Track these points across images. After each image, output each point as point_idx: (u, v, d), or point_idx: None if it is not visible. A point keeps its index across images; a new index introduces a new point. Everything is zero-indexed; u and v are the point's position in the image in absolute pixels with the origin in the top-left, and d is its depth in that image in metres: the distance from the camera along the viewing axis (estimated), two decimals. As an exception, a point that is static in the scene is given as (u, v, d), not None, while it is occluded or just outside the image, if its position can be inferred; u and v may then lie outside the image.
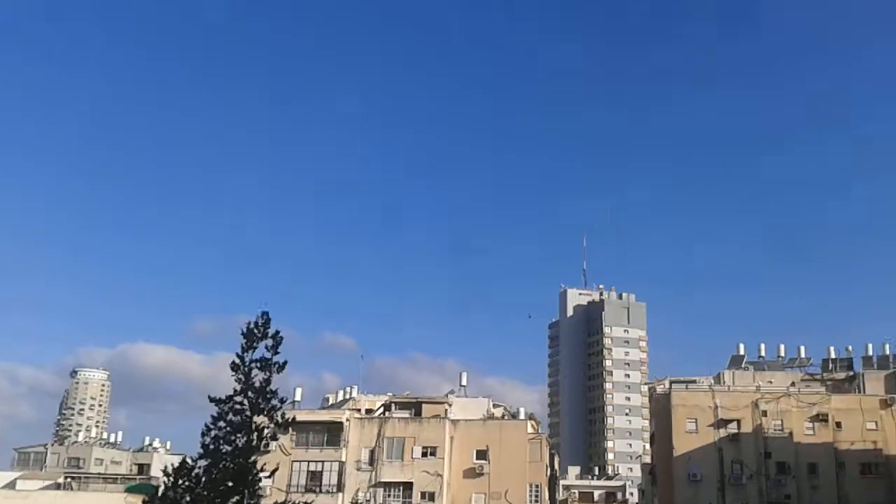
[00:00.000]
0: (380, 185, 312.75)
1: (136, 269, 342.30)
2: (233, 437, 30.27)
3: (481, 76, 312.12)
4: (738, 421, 61.98)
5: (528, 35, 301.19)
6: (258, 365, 30.55)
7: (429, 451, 59.63)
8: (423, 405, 64.11)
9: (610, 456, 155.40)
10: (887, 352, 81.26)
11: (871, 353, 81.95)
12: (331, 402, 75.50)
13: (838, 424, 61.97)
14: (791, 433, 61.39)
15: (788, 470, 60.50)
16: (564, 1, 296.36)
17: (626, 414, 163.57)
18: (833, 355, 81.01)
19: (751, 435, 61.41)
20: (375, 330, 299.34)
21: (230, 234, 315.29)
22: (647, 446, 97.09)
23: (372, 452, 59.72)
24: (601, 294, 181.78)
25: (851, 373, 75.55)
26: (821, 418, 61.95)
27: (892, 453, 60.06)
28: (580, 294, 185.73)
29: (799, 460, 60.79)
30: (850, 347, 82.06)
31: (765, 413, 62.14)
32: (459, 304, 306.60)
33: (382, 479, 58.88)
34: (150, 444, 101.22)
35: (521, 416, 68.68)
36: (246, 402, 30.39)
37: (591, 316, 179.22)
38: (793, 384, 68.82)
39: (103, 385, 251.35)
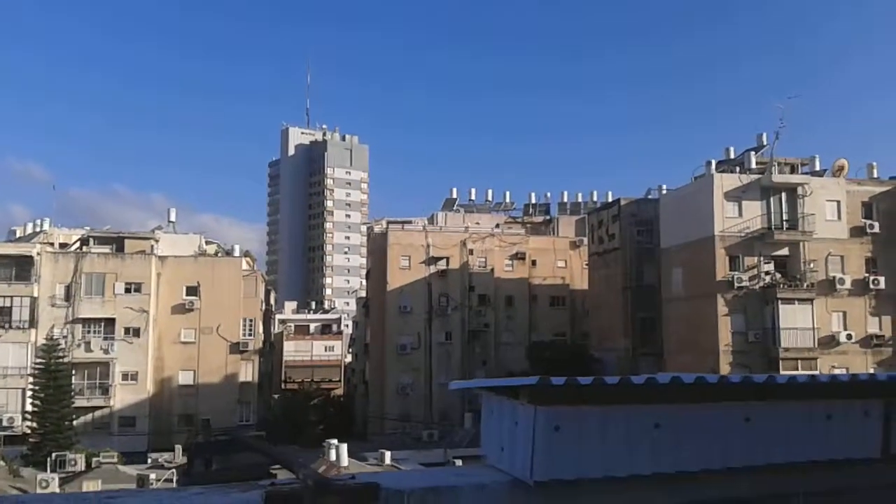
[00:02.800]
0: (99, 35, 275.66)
1: None
2: None
3: None
4: (448, 258, 65.62)
5: None
6: None
7: (133, 288, 56.66)
8: (126, 241, 60.14)
9: (328, 292, 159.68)
10: (580, 199, 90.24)
11: (566, 199, 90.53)
12: (18, 235, 68.09)
13: (534, 262, 68.00)
14: (493, 269, 66.36)
15: (489, 302, 65.80)
16: None
17: (346, 252, 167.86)
18: (534, 200, 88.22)
19: (458, 271, 65.50)
20: (72, 158, 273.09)
21: None
22: (364, 282, 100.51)
23: (68, 288, 55.48)
24: (324, 134, 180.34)
25: (548, 217, 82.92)
26: (519, 257, 67.50)
27: (576, 287, 67.45)
28: (302, 133, 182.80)
29: (498, 293, 66.26)
30: (549, 194, 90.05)
31: (471, 251, 66.31)
32: (172, 127, 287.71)
33: (81, 316, 55.28)
34: None
35: (236, 254, 67.11)
36: None
37: (314, 156, 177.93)
38: (497, 226, 73.86)
39: None
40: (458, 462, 33.13)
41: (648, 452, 3.55)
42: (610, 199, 72.52)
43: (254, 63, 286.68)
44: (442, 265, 65.45)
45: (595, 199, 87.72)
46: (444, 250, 65.76)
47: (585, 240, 65.18)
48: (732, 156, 50.83)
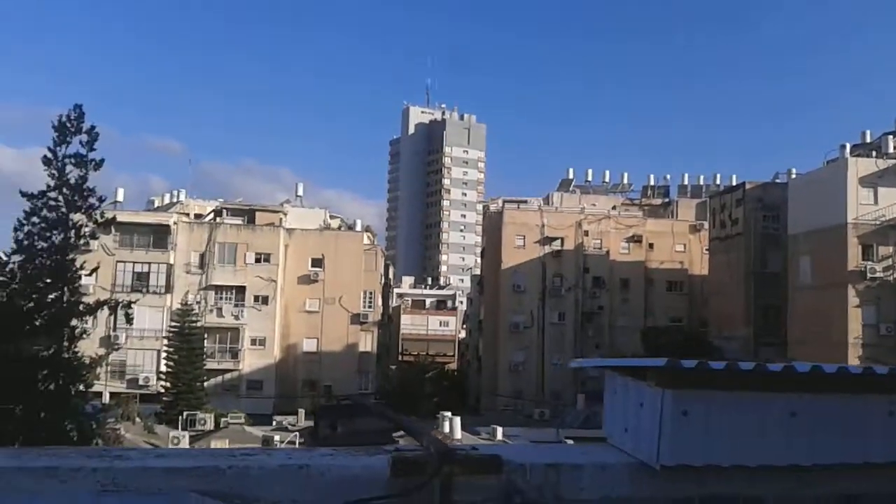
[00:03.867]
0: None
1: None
2: (48, 234, 28.86)
3: None
4: (562, 239, 65.51)
5: None
6: (73, 161, 28.74)
7: (262, 258, 59.45)
8: (257, 213, 63.14)
9: (443, 268, 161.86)
10: (701, 182, 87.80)
11: (686, 182, 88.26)
12: (157, 205, 72.56)
13: (651, 245, 66.92)
14: (608, 252, 65.78)
15: (603, 284, 65.33)
16: None
17: (461, 230, 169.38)
18: (652, 182, 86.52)
19: (572, 252, 65.30)
20: (205, 134, 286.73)
21: (45, 19, 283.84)
22: (479, 260, 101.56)
23: (202, 256, 58.76)
24: (443, 114, 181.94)
25: (667, 199, 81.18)
26: (636, 239, 66.59)
27: (695, 273, 66.00)
28: (423, 112, 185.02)
29: (613, 276, 65.66)
30: (668, 176, 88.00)
31: (587, 233, 65.95)
32: (298, 111, 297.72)
33: (214, 283, 58.47)
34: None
35: (358, 228, 69.28)
36: (61, 198, 28.80)
37: (433, 135, 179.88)
38: (614, 207, 73.07)
39: None
40: (570, 442, 33.29)
41: (782, 442, 3.36)
42: (734, 183, 70.35)
43: (379, 44, 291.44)
44: (556, 246, 65.44)
45: (718, 182, 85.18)
46: (558, 231, 65.70)
47: (706, 224, 63.59)
48: (869, 139, 48.43)
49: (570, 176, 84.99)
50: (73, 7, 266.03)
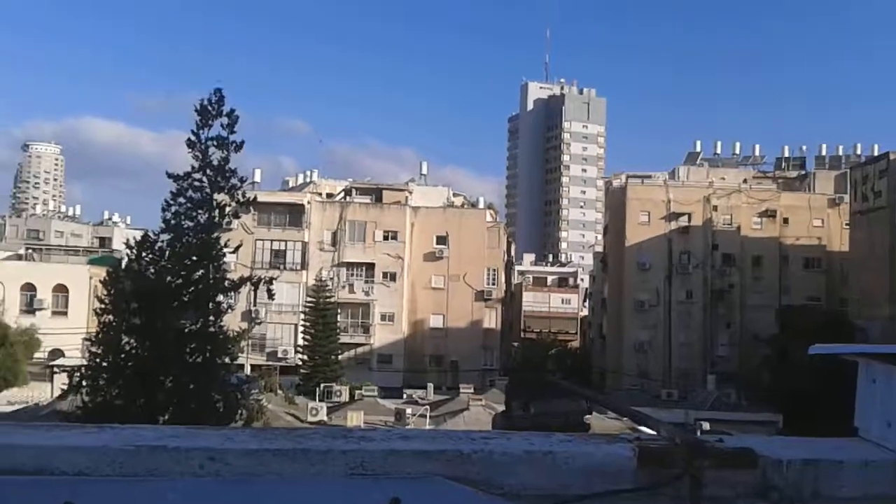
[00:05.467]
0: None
1: (75, 42, 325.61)
2: (194, 213, 30.21)
3: None
4: (689, 215, 63.66)
5: None
6: (215, 143, 29.99)
7: (390, 235, 60.91)
8: (384, 192, 64.67)
9: (563, 245, 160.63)
10: (840, 152, 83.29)
11: (824, 153, 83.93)
12: (291, 185, 75.60)
13: (786, 220, 64.06)
14: (739, 227, 63.50)
15: (733, 261, 63.21)
16: None
17: (581, 207, 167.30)
18: (787, 154, 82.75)
19: (700, 228, 63.42)
20: (330, 116, 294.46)
21: (174, 14, 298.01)
22: (600, 237, 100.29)
23: (334, 235, 60.77)
24: (562, 89, 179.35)
25: (803, 172, 77.46)
26: (769, 214, 63.91)
27: (834, 249, 62.80)
28: (541, 88, 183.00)
29: (745, 253, 63.37)
30: (804, 147, 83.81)
31: (715, 208, 63.81)
32: (416, 94, 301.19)
33: (345, 260, 60.45)
34: (110, 219, 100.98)
35: (481, 206, 69.79)
36: (205, 179, 30.08)
37: (552, 111, 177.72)
38: (745, 181, 70.37)
39: (56, 159, 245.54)
40: (705, 424, 32.43)
41: None
42: (876, 153, 66.35)
43: (495, 17, 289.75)
44: (683, 221, 63.72)
45: (858, 152, 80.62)
46: (685, 206, 63.93)
47: (846, 197, 60.30)
48: None
49: (698, 149, 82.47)
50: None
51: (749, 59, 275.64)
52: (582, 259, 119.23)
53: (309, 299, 54.36)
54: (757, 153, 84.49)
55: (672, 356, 62.53)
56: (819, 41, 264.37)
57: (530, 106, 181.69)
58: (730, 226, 63.82)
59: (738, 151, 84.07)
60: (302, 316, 54.99)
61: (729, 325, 62.61)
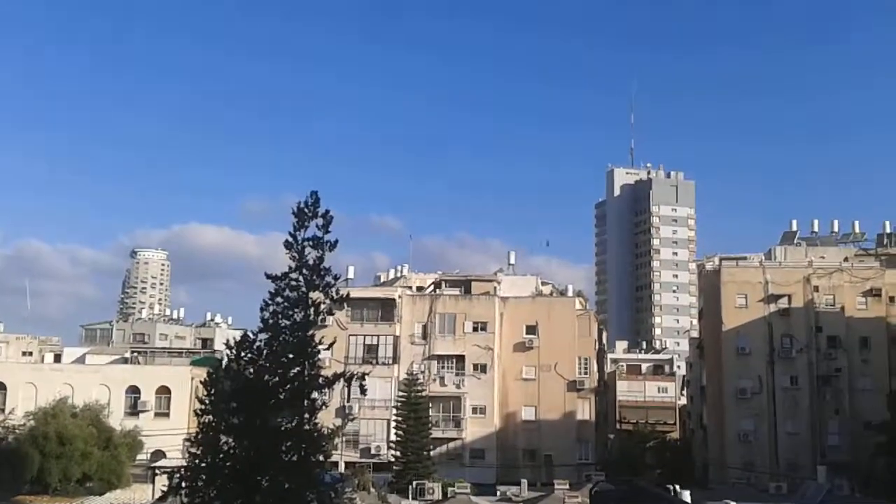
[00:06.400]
0: (423, 70, 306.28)
1: (182, 153, 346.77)
2: (290, 312, 31.18)
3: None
4: (789, 296, 61.68)
5: None
6: (310, 243, 31.09)
7: (479, 327, 61.04)
8: (473, 283, 65.19)
9: (657, 331, 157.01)
10: (949, 226, 79.40)
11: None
12: (382, 280, 77.07)
13: (892, 299, 61.33)
14: (843, 308, 61.03)
15: (839, 344, 60.49)
16: None
17: (674, 291, 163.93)
18: (888, 230, 79.50)
19: (801, 310, 61.22)
20: (420, 212, 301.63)
21: (270, 120, 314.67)
22: (695, 322, 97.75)
23: (424, 327, 61.34)
24: (648, 173, 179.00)
25: (908, 247, 74.15)
26: (874, 293, 61.33)
27: (947, 327, 59.52)
28: (627, 173, 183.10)
29: (850, 335, 60.62)
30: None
31: (816, 288, 61.69)
32: (504, 187, 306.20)
33: (435, 352, 60.75)
34: (212, 320, 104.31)
35: (570, 294, 69.39)
36: (301, 278, 31.13)
37: (639, 195, 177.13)
38: (846, 259, 67.96)
39: (163, 264, 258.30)
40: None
41: None
42: None
43: (578, 103, 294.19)
44: (783, 303, 61.67)
45: (969, 225, 76.79)
46: (784, 287, 62.01)
47: (959, 273, 57.36)
48: None
49: (794, 228, 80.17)
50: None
51: (839, 133, 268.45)
52: (677, 345, 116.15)
53: (400, 393, 54.46)
54: (857, 230, 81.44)
55: (779, 446, 59.53)
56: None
57: (617, 191, 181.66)
58: (833, 306, 61.49)
59: (836, 229, 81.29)
60: (394, 411, 55.09)
61: (837, 411, 59.42)
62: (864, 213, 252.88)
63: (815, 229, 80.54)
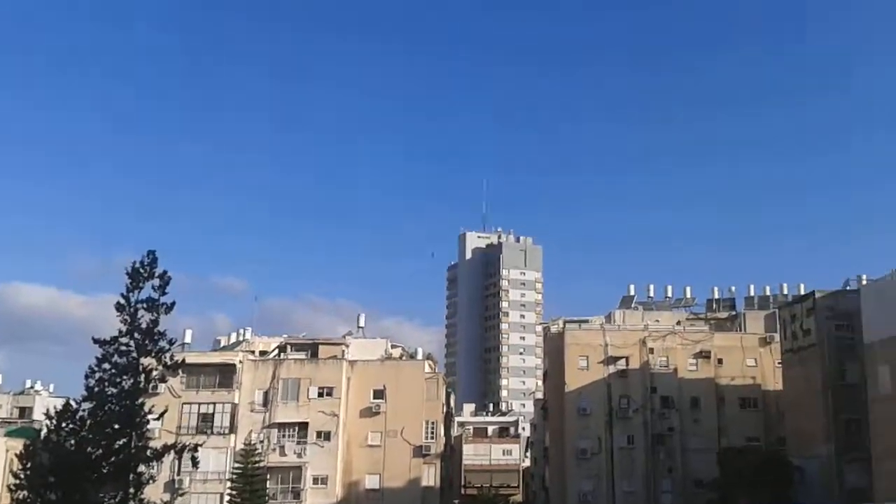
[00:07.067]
0: (270, 134, 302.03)
1: (4, 206, 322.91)
2: (118, 379, 29.49)
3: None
4: (627, 358, 63.99)
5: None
6: (144, 306, 29.74)
7: (325, 392, 59.41)
8: (320, 346, 63.60)
9: (504, 393, 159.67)
10: (768, 293, 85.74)
11: (752, 293, 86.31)
12: (223, 344, 73.89)
13: (720, 361, 64.80)
14: (676, 369, 63.91)
15: (672, 404, 63.11)
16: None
17: (521, 353, 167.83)
18: (717, 296, 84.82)
19: (638, 371, 63.61)
20: (268, 273, 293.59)
21: (106, 176, 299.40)
22: (540, 383, 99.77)
23: (266, 394, 59.05)
24: (499, 237, 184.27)
25: (734, 312, 79.22)
26: (703, 355, 64.64)
27: (768, 388, 63.41)
28: (479, 237, 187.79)
29: (682, 395, 63.45)
30: (734, 288, 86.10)
31: (651, 350, 64.38)
32: (356, 248, 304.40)
33: (277, 420, 58.44)
34: (32, 387, 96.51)
35: (419, 357, 69.04)
36: (132, 343, 29.63)
37: (490, 259, 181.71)
38: (678, 323, 71.56)
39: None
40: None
41: None
42: (802, 292, 68.53)
43: (432, 172, 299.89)
44: (622, 365, 63.90)
45: (785, 292, 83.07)
46: (623, 350, 64.33)
47: (777, 336, 61.58)
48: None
49: (632, 293, 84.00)
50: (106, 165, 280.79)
51: (673, 204, 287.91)
52: (523, 406, 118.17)
53: (236, 465, 52.23)
54: (688, 295, 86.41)
55: (617, 505, 60.87)
56: (737, 188, 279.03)
57: (469, 255, 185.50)
58: (667, 367, 64.27)
59: (670, 294, 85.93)
60: (229, 484, 52.56)
61: (671, 469, 61.62)
62: (694, 279, 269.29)
63: (651, 294, 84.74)
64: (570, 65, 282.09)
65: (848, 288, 55.49)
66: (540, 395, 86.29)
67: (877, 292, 47.08)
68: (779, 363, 60.57)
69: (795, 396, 55.19)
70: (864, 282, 52.35)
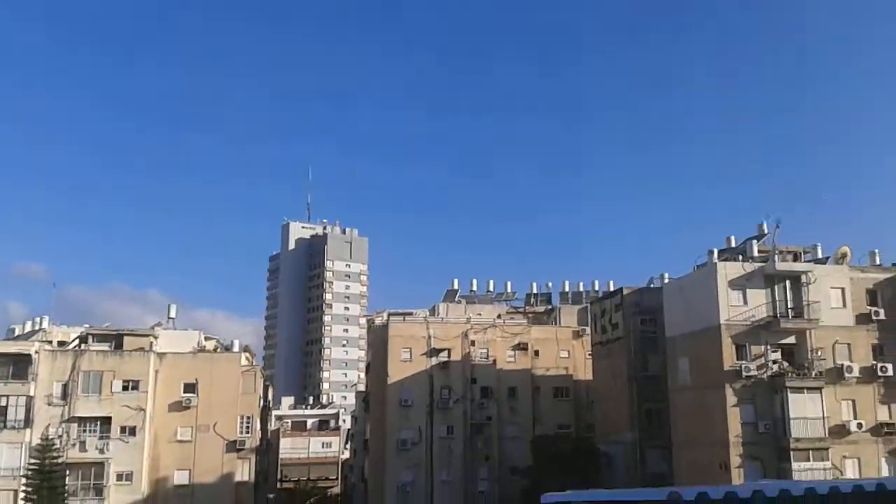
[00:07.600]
0: (77, 116, 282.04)
1: None
2: None
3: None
4: (449, 350, 64.76)
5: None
6: None
7: (131, 385, 55.82)
8: (126, 338, 59.57)
9: (325, 386, 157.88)
10: (581, 289, 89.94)
11: (567, 289, 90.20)
12: (17, 333, 67.61)
13: (536, 353, 67.11)
14: (495, 360, 65.48)
15: (491, 394, 64.60)
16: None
17: (344, 345, 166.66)
18: (535, 290, 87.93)
19: (459, 363, 64.57)
20: (71, 260, 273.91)
21: None
22: (363, 376, 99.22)
23: (65, 387, 54.69)
24: (324, 228, 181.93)
25: (550, 307, 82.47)
26: (521, 347, 66.65)
27: (580, 378, 66.43)
28: (303, 227, 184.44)
29: (501, 385, 65.11)
30: (550, 284, 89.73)
31: (473, 343, 65.54)
32: (169, 237, 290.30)
33: (77, 414, 54.31)
34: None
35: (235, 349, 66.41)
36: None
37: (314, 250, 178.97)
38: (499, 316, 73.37)
39: None
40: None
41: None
42: (612, 289, 72.33)
43: (256, 152, 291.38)
44: (444, 357, 64.59)
45: (597, 288, 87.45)
46: (445, 342, 65.05)
47: (588, 329, 64.59)
48: (734, 244, 50.82)
49: (455, 286, 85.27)
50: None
51: (500, 209, 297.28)
52: (344, 399, 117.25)
53: (32, 461, 48.47)
54: (509, 289, 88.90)
55: (434, 495, 61.50)
56: (560, 195, 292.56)
57: (292, 245, 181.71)
58: (487, 359, 65.62)
59: (492, 289, 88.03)
60: (24, 480, 48.90)
61: (488, 457, 63.07)
62: (514, 275, 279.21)
63: (474, 288, 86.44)
64: (389, 55, 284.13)
65: (652, 286, 58.91)
66: (363, 388, 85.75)
67: (677, 290, 50.13)
68: (589, 355, 63.57)
69: (603, 386, 58.04)
70: (667, 280, 55.66)
